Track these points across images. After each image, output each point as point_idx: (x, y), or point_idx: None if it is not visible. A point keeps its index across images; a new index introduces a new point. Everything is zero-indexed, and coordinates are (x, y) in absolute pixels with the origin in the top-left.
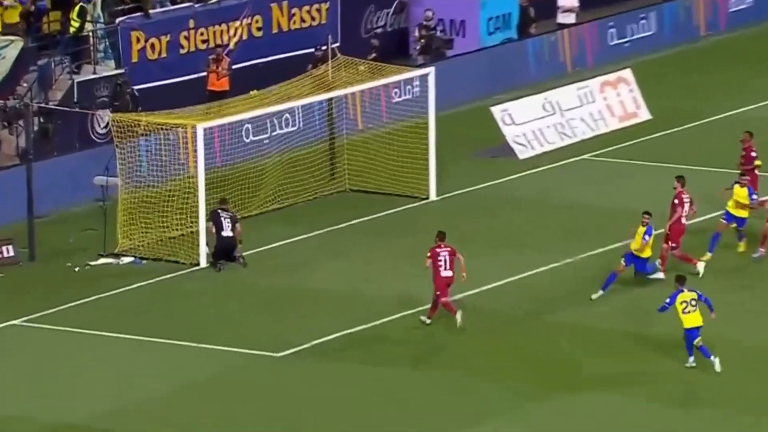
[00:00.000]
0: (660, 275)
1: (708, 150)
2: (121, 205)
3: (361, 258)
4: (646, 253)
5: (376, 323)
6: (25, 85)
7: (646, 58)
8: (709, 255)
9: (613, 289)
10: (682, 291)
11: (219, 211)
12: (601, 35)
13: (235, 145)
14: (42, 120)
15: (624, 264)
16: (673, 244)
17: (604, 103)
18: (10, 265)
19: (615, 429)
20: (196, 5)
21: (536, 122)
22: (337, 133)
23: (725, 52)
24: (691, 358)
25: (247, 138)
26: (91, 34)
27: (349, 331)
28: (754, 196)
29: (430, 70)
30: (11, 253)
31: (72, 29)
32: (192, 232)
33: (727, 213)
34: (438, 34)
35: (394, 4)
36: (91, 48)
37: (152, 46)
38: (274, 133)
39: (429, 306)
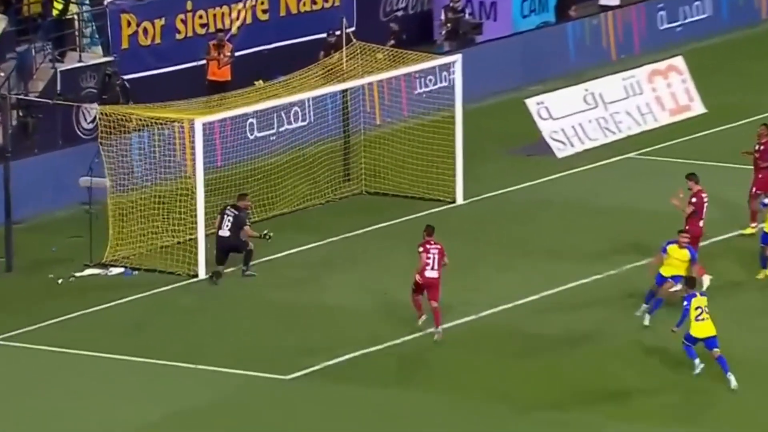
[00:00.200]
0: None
1: None
2: (110, 209)
3: (380, 269)
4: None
5: (396, 342)
6: (2, 74)
7: (701, 45)
8: (765, 272)
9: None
10: (695, 295)
11: (228, 207)
12: (650, 18)
13: (238, 142)
14: (21, 114)
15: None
16: None
17: (653, 95)
18: None
19: None
20: None
21: (576, 116)
22: (353, 129)
23: None
24: (698, 360)
25: (252, 134)
26: (76, 17)
27: (365, 350)
28: (766, 201)
29: (457, 58)
30: None
31: (55, 12)
32: (190, 240)
33: (764, 234)
34: (466, 17)
35: None
36: (77, 33)
37: (145, 30)
38: (281, 129)
39: (439, 322)
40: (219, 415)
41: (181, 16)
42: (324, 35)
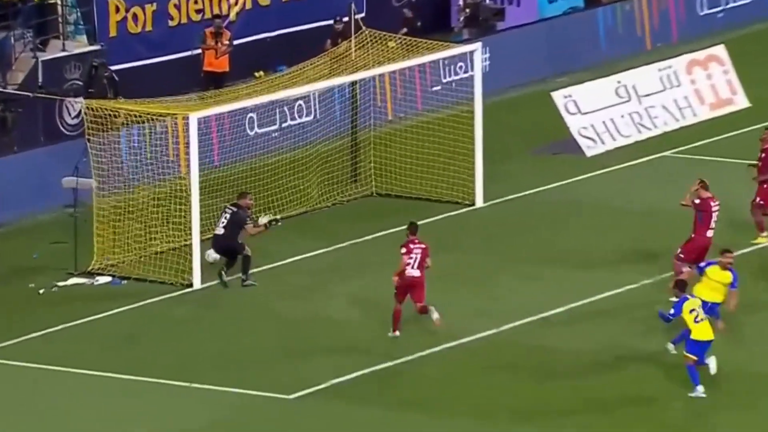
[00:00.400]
0: None
1: None
2: (97, 212)
3: (391, 278)
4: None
5: (408, 358)
6: None
7: (744, 32)
8: None
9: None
10: (687, 298)
11: (228, 205)
12: (689, 3)
13: (236, 139)
14: None
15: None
16: (682, 255)
17: (692, 88)
18: None
19: None
20: None
21: (607, 111)
22: (362, 125)
23: None
24: (701, 388)
25: (252, 131)
26: (59, 2)
27: (375, 367)
28: None
29: (477, 47)
30: None
31: None
32: (184, 246)
33: None
34: (487, 2)
35: None
36: (60, 19)
37: (134, 17)
38: (284, 125)
39: (435, 313)
40: None
41: (175, 1)
42: (331, 22)
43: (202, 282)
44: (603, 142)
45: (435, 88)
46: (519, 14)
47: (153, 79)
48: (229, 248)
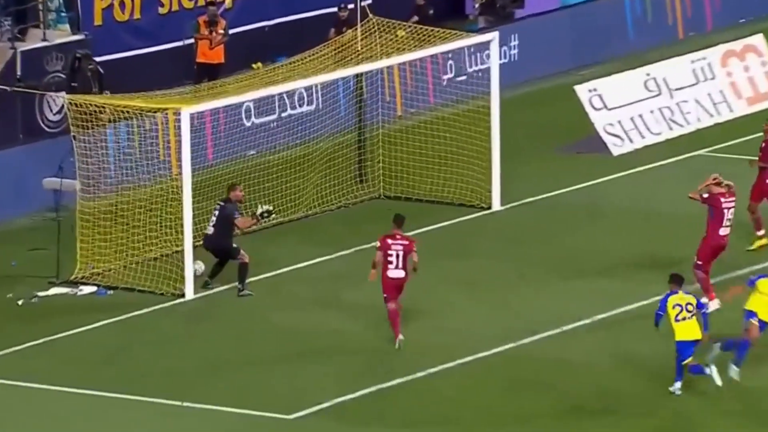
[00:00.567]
0: (712, 305)
1: None
2: (81, 216)
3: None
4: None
5: (418, 375)
6: None
7: None
8: None
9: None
10: (676, 292)
11: (217, 202)
12: None
13: (233, 135)
14: None
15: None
16: (699, 261)
17: (728, 81)
18: None
19: None
20: None
21: (636, 106)
22: (369, 121)
23: None
24: (678, 383)
25: (249, 122)
26: None
27: (381, 385)
28: None
29: (494, 37)
30: None
31: None
32: (175, 253)
33: None
34: None
35: None
36: (40, 7)
37: (121, 4)
38: (283, 115)
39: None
40: None
41: None
42: (335, 9)
43: (195, 292)
44: (631, 140)
45: (448, 81)
46: (539, 1)
47: (142, 71)
48: (219, 248)
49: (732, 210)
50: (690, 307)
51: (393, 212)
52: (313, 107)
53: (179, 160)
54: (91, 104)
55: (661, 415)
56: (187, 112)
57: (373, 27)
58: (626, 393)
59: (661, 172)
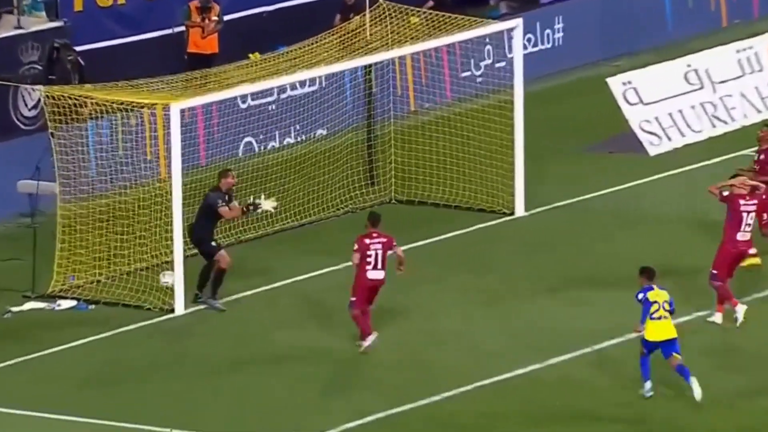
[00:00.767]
0: (716, 317)
1: None
2: (60, 222)
3: (414, 302)
4: None
5: (433, 399)
6: None
7: None
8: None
9: None
10: (652, 288)
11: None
12: None
13: (228, 132)
14: None
15: None
16: (714, 271)
17: None
18: None
19: None
20: None
21: (675, 101)
22: (379, 117)
23: None
24: (648, 384)
25: (244, 103)
26: None
27: (392, 410)
28: None
29: (517, 24)
30: None
31: None
32: (164, 264)
33: None
34: None
35: None
36: None
37: None
38: (283, 95)
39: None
40: None
41: None
42: None
43: (186, 307)
44: (669, 139)
45: (466, 74)
46: None
47: (127, 62)
48: (197, 239)
49: (752, 215)
50: (667, 305)
51: (408, 218)
52: (316, 103)
53: (168, 159)
54: (70, 98)
55: None
56: (176, 107)
57: (384, 13)
58: (663, 419)
59: (702, 173)
